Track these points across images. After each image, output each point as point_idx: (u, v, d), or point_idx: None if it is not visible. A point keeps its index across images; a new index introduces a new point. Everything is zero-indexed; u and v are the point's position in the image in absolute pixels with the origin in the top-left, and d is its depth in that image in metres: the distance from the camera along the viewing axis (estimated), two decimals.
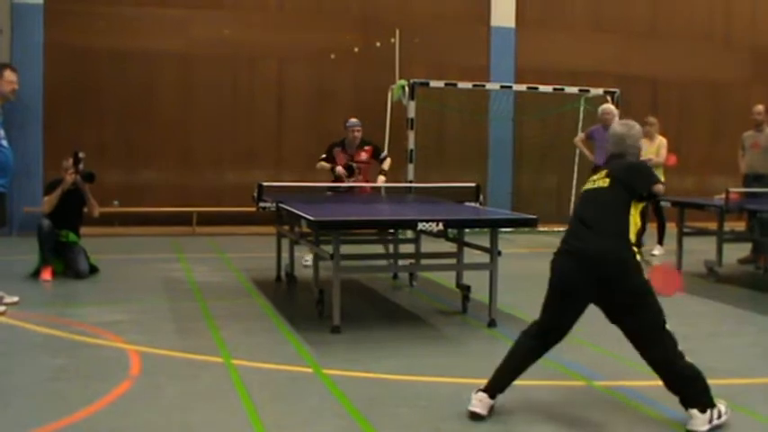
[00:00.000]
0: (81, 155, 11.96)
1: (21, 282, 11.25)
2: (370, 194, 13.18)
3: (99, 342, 8.20)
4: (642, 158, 14.41)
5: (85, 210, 12.19)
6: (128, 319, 9.22)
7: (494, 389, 6.17)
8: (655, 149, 15.06)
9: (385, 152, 13.33)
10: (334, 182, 13.12)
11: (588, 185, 6.53)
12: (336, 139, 13.43)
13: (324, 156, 13.17)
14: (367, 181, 13.11)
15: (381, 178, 13.01)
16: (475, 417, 6.03)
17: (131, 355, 7.70)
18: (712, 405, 6.03)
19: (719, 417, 6.05)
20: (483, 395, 6.11)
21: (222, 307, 10.02)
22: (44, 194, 12.13)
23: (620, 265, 6.10)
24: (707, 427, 5.97)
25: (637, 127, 6.93)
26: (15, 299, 9.80)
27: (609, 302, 6.24)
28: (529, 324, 6.50)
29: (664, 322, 6.20)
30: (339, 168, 12.92)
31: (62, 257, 11.88)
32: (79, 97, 17.66)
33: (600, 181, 6.42)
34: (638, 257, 6.15)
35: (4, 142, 9.47)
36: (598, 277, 6.11)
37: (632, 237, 6.22)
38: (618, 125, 6.98)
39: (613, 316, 6.30)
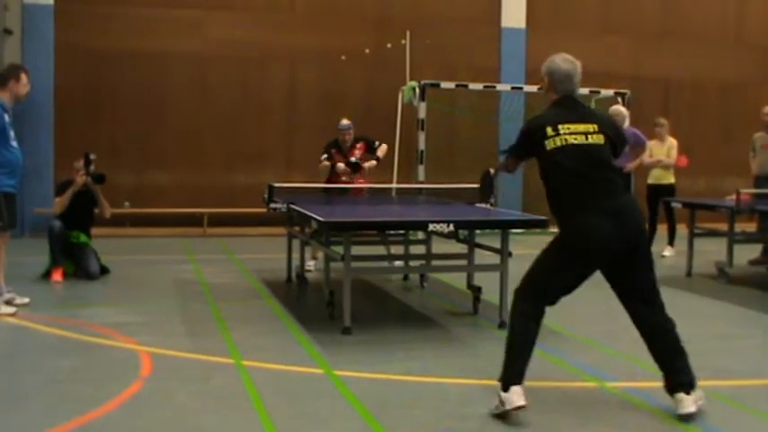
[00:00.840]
0: (92, 156, 11.98)
1: (32, 283, 11.27)
2: (366, 195, 13.15)
3: (110, 343, 8.22)
4: (653, 159, 14.51)
5: (97, 211, 12.21)
6: (139, 321, 9.24)
7: (520, 377, 6.12)
8: (665, 150, 15.11)
9: (377, 142, 13.30)
10: (335, 181, 13.09)
11: (574, 139, 6.35)
12: (330, 140, 13.46)
13: (325, 155, 13.15)
14: (366, 179, 13.13)
15: (372, 162, 13.04)
16: (521, 409, 5.97)
17: (142, 356, 7.71)
18: (694, 385, 6.16)
19: (700, 399, 6.15)
20: (518, 388, 6.03)
21: (233, 308, 10.03)
22: (55, 195, 12.16)
23: (643, 218, 6.24)
24: (694, 408, 6.06)
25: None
26: (26, 300, 9.83)
27: (633, 259, 6.20)
28: (518, 301, 6.34)
29: None
30: (340, 165, 12.91)
31: (73, 258, 11.90)
32: (90, 98, 17.71)
33: (593, 137, 6.34)
34: None
35: (14, 143, 9.50)
36: (637, 232, 6.15)
37: None
38: (563, 62, 7.21)
39: (631, 273, 6.27)
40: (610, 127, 6.53)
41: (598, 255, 6.15)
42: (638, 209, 6.26)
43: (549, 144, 6.41)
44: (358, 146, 13.20)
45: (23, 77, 9.70)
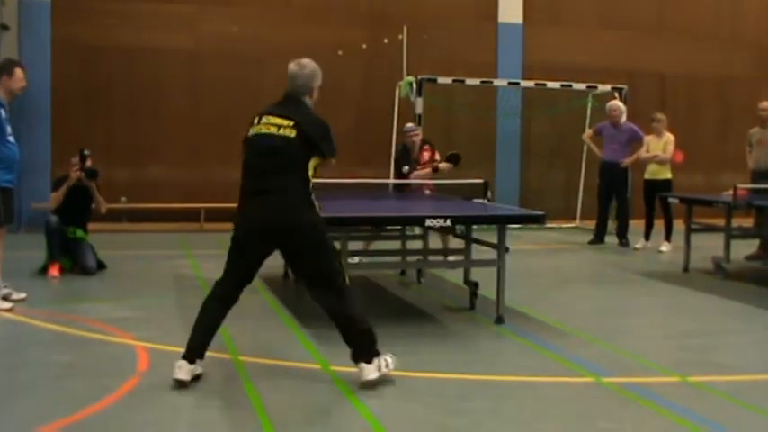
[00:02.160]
0: (86, 152, 11.96)
1: (29, 278, 11.26)
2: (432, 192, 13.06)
3: (107, 338, 8.22)
4: (649, 155, 14.52)
5: (93, 206, 12.20)
6: (136, 316, 9.24)
7: (199, 354, 6.67)
8: (662, 146, 15.10)
9: (438, 157, 13.14)
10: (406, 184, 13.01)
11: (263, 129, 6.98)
12: (398, 148, 13.45)
13: (407, 168, 12.93)
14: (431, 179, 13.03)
15: (427, 170, 12.91)
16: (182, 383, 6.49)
17: (139, 351, 7.71)
18: (377, 354, 6.67)
19: (387, 366, 6.68)
20: (184, 362, 6.56)
21: None
22: (51, 191, 12.15)
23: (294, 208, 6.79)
24: (376, 374, 6.59)
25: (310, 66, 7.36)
26: (23, 295, 9.82)
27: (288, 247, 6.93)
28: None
29: None
30: (427, 170, 12.78)
31: (70, 254, 11.89)
32: (87, 94, 17.69)
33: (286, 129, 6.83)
34: None
35: (11, 138, 9.49)
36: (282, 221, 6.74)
37: None
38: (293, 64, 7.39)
39: (293, 260, 7.10)
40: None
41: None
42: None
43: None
44: (426, 147, 13.03)
45: (17, 72, 9.67)
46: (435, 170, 12.76)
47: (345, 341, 6.76)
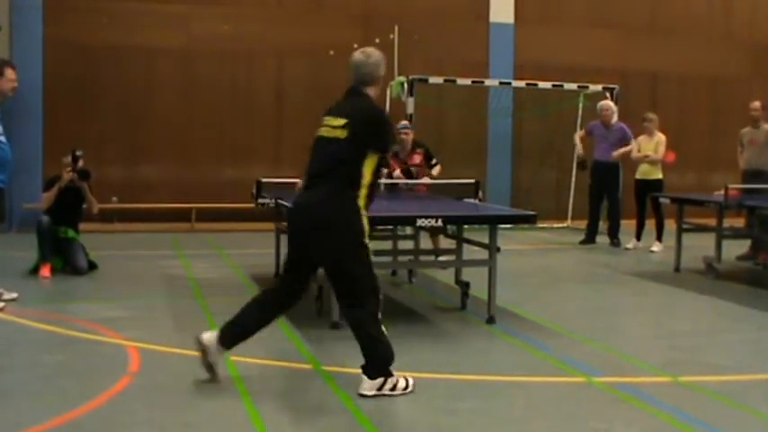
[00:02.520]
0: (78, 153, 11.92)
1: (20, 278, 11.24)
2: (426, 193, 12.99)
3: (98, 338, 8.21)
4: (641, 155, 14.54)
5: (85, 207, 12.19)
6: (127, 316, 9.23)
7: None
8: (653, 146, 15.13)
9: (435, 159, 13.07)
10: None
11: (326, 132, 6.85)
12: None
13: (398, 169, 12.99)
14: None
15: (427, 179, 12.86)
16: None
17: (130, 351, 7.70)
18: (387, 375, 6.48)
19: (393, 389, 6.45)
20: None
21: (221, 303, 10.00)
22: (43, 191, 12.13)
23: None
24: (371, 393, 6.40)
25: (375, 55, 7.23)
26: (14, 295, 9.81)
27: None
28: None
29: None
30: (397, 172, 12.77)
31: (61, 254, 11.87)
32: (79, 93, 17.66)
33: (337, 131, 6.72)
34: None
35: (3, 138, 9.47)
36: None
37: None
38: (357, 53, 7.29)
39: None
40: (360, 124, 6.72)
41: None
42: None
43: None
44: (418, 151, 13.00)
45: (8, 73, 9.64)
46: (408, 173, 12.74)
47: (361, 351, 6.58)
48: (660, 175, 15.24)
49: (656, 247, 15.08)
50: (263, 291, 7.10)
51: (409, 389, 6.49)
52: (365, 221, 6.59)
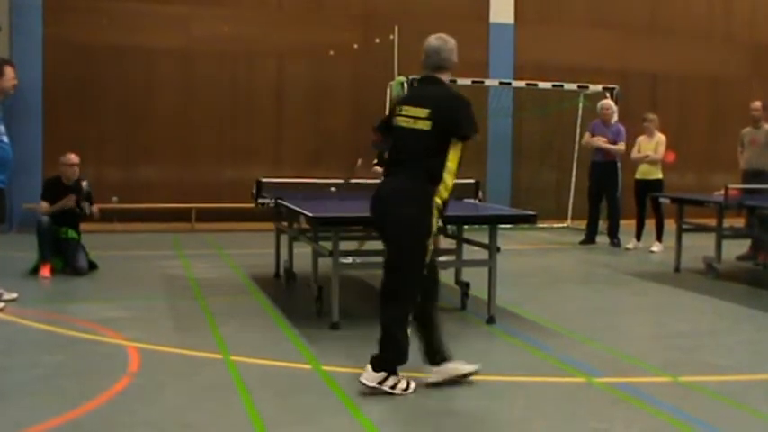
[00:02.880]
0: (87, 188, 12.16)
1: (20, 278, 11.24)
2: None
3: (98, 339, 8.21)
4: (641, 155, 14.52)
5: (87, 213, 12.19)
6: (127, 316, 9.23)
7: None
8: (653, 146, 15.14)
9: None
10: None
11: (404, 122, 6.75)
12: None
13: (376, 161, 12.92)
14: None
15: None
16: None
17: (130, 351, 7.70)
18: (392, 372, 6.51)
19: (393, 387, 6.46)
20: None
21: (221, 304, 10.03)
22: (42, 195, 12.12)
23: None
24: (373, 384, 6.43)
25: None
26: (14, 295, 9.81)
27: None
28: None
29: None
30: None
31: (61, 254, 11.87)
32: (79, 94, 17.65)
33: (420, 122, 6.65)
34: None
35: (5, 138, 9.48)
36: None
37: None
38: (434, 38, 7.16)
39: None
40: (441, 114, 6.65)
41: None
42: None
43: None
44: None
45: (8, 72, 9.65)
46: None
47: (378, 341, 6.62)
48: (660, 176, 15.24)
49: (656, 247, 15.08)
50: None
51: (409, 391, 6.47)
52: (435, 222, 6.54)
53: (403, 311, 6.52)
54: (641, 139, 15.38)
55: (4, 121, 9.55)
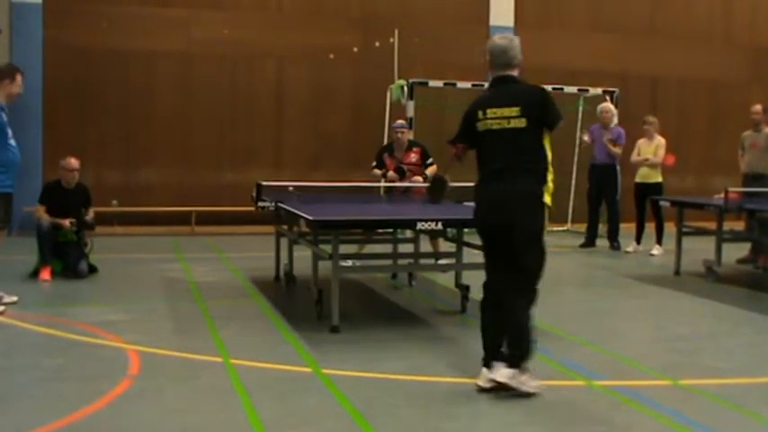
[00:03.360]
0: (91, 222, 12.28)
1: (20, 281, 11.24)
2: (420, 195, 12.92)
3: (98, 342, 8.21)
4: (640, 158, 14.50)
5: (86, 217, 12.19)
6: (127, 319, 9.23)
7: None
8: (653, 149, 15.14)
9: (431, 159, 12.97)
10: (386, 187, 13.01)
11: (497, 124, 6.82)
12: (385, 144, 13.43)
13: (374, 163, 12.96)
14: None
15: (418, 178, 12.76)
16: None
17: (131, 354, 7.70)
18: (522, 370, 6.58)
19: (522, 384, 6.53)
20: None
21: (221, 307, 10.03)
22: (39, 200, 12.16)
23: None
24: (505, 379, 6.52)
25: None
26: (14, 298, 9.81)
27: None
28: None
29: None
30: (391, 174, 12.68)
31: (61, 257, 11.87)
32: (79, 97, 17.65)
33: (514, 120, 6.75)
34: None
35: (13, 141, 9.56)
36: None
37: None
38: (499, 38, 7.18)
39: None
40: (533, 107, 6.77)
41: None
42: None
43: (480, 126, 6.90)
44: (414, 149, 12.91)
45: (19, 78, 9.79)
46: (400, 171, 12.71)
47: (507, 342, 6.70)
48: (660, 179, 15.25)
49: (656, 250, 15.08)
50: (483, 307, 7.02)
51: (537, 390, 6.55)
52: (546, 217, 6.76)
53: (528, 305, 6.67)
54: (641, 142, 15.39)
55: (11, 125, 9.60)
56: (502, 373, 6.52)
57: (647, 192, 14.95)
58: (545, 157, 6.81)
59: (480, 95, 7.09)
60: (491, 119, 6.77)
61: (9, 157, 9.48)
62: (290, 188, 12.52)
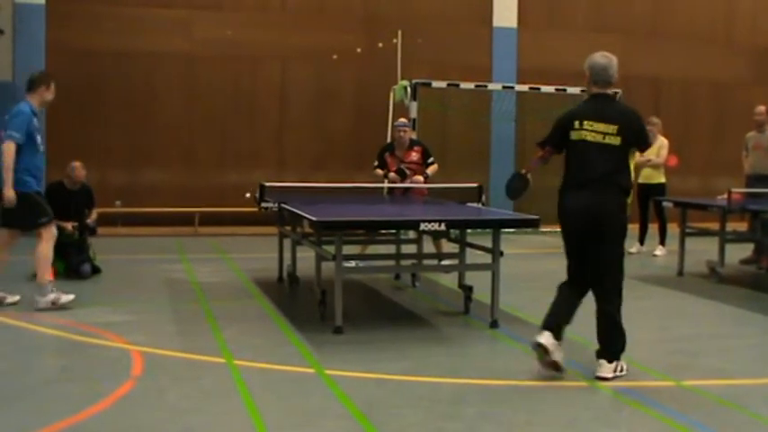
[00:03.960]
0: (93, 226, 12.34)
1: (23, 282, 11.23)
2: (425, 196, 12.92)
3: (102, 343, 8.21)
4: (643, 159, 14.48)
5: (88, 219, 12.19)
6: (130, 320, 9.23)
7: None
8: (655, 150, 14.99)
9: (432, 158, 12.97)
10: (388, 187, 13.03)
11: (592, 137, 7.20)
12: (387, 143, 13.43)
13: (376, 163, 12.93)
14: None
15: (419, 178, 12.77)
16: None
17: (134, 355, 7.71)
18: (618, 359, 7.20)
19: (622, 371, 7.16)
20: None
21: (224, 308, 10.03)
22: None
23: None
24: (612, 374, 7.08)
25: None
26: (16, 298, 9.83)
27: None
28: None
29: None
30: (392, 175, 12.67)
31: (64, 258, 11.85)
32: (82, 98, 17.65)
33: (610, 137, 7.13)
34: None
35: (41, 147, 9.71)
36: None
37: None
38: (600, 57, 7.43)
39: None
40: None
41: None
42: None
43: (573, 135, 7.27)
44: (416, 148, 12.92)
45: (53, 86, 10.04)
46: (401, 172, 12.70)
47: (598, 337, 7.22)
48: (663, 179, 15.30)
49: (660, 251, 15.08)
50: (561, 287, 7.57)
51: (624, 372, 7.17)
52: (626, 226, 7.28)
53: (617, 303, 7.21)
54: None
55: (40, 131, 9.78)
56: (606, 368, 7.07)
57: (650, 192, 14.94)
58: (630, 175, 7.35)
59: (578, 107, 7.45)
60: (587, 130, 7.13)
61: (36, 163, 9.67)
62: (247, 195, 12.57)
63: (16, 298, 9.83)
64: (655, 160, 15.07)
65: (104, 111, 17.93)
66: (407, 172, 12.69)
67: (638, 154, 14.97)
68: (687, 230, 13.04)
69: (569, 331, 8.90)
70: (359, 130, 18.90)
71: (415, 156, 12.79)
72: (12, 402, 6.31)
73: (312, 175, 17.70)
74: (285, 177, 17.42)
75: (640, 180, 15.37)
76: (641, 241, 15.57)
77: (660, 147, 15.14)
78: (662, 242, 15.19)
